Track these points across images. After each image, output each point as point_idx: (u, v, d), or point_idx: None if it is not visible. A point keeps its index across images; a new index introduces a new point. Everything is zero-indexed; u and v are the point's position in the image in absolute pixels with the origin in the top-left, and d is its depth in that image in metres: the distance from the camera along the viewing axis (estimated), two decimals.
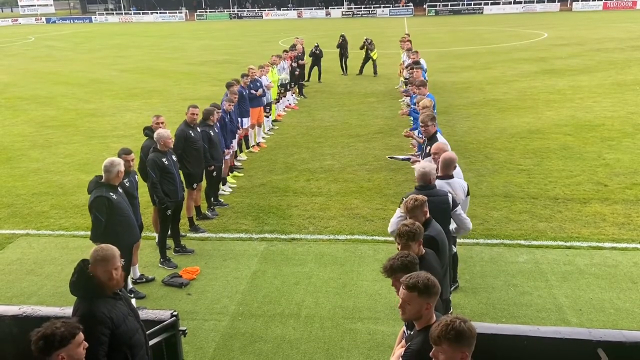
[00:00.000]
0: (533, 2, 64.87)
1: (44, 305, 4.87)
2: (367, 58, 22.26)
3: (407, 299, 3.23)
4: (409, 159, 9.73)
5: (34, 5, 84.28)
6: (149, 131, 7.85)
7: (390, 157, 11.21)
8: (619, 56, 25.25)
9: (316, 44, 21.13)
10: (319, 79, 21.56)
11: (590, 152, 11.55)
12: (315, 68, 21.36)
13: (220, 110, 9.35)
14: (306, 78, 20.99)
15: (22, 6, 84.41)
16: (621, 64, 23.12)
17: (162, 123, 7.81)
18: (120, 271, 3.72)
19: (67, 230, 8.71)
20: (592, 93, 17.43)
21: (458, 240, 7.15)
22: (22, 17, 79.23)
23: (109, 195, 5.81)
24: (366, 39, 22.00)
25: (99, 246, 3.74)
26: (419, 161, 6.89)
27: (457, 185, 5.82)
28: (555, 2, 63.71)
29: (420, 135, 8.68)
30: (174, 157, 7.39)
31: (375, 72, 22.44)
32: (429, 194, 5.08)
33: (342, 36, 22.66)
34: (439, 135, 7.12)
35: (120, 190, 6.06)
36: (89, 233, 8.17)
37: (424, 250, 4.26)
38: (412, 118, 11.10)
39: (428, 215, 4.75)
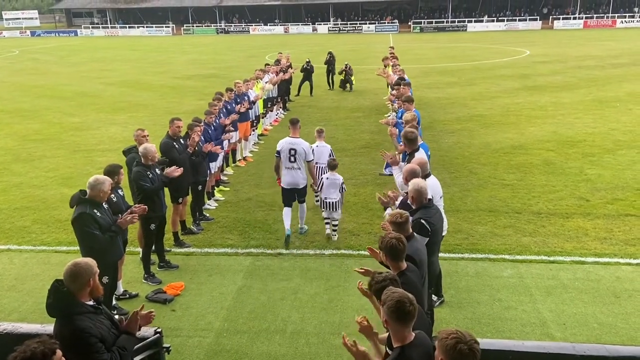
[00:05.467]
0: (515, 20, 66.20)
1: (25, 322, 4.78)
2: (346, 80, 23.00)
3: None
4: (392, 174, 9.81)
5: (19, 19, 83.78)
6: (128, 151, 7.93)
7: (380, 174, 11.49)
8: (599, 73, 25.79)
9: (307, 60, 21.90)
10: (311, 93, 22.11)
11: (572, 168, 11.73)
12: (307, 83, 22.00)
13: (202, 125, 9.34)
14: (297, 93, 21.74)
15: (6, 19, 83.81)
16: (602, 81, 23.61)
17: (147, 136, 7.83)
18: (97, 281, 3.74)
19: (49, 246, 8.59)
20: (574, 109, 17.75)
21: (443, 255, 7.19)
22: (7, 30, 78.60)
23: (93, 212, 5.64)
24: (346, 65, 22.93)
25: (70, 263, 3.72)
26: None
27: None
28: (537, 20, 65.09)
29: (400, 143, 8.70)
30: (157, 171, 7.36)
31: (350, 89, 23.05)
32: (432, 213, 5.30)
33: (330, 53, 23.55)
34: (421, 151, 7.05)
35: (106, 207, 5.97)
36: (71, 248, 8.14)
37: (405, 265, 4.25)
38: (397, 131, 11.19)
39: (410, 232, 4.74)
